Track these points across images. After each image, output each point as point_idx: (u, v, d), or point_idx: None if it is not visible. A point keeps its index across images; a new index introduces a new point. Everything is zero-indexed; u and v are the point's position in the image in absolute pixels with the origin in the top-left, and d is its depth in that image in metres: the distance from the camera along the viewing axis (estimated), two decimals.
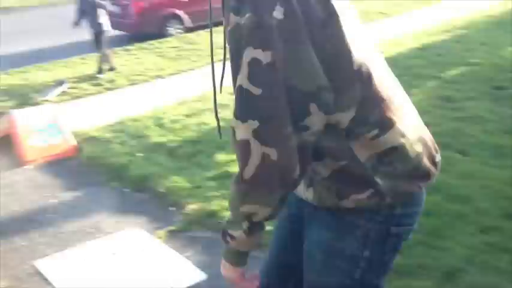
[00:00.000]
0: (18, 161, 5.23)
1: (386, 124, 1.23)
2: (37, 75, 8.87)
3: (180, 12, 12.10)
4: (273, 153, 1.12)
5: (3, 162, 5.52)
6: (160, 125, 5.78)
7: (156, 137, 5.45)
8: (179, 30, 12.09)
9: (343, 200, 1.27)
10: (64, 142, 5.47)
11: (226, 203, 3.80)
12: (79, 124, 5.92)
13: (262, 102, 1.11)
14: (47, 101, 7.25)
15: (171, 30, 11.99)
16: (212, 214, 3.83)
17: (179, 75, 8.63)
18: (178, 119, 5.95)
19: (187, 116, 6.02)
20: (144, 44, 10.79)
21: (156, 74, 8.66)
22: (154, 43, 10.89)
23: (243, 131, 1.15)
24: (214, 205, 3.92)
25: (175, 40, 11.20)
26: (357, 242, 1.30)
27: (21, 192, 4.52)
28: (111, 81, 8.38)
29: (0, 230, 3.86)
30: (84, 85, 8.19)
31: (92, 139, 5.57)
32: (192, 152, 5.01)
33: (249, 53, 1.10)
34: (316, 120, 1.14)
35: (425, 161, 1.30)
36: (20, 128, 5.45)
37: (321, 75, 1.12)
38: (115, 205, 4.19)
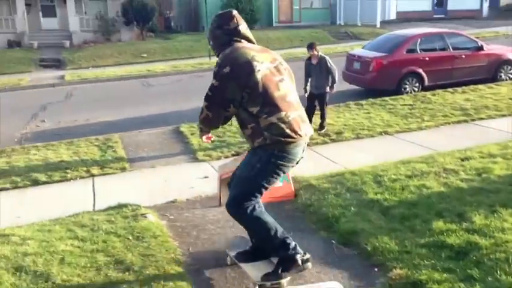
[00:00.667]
0: None
1: (271, 113, 3.34)
2: None
3: (420, 71, 11.88)
4: (210, 115, 3.50)
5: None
6: (379, 182, 5.65)
7: (372, 193, 5.34)
8: (416, 88, 11.86)
9: (254, 143, 3.45)
10: (285, 186, 5.77)
11: (436, 275, 3.51)
12: (300, 170, 6.21)
13: (211, 97, 3.44)
14: None
15: (408, 87, 11.84)
16: (418, 284, 3.53)
17: (407, 133, 8.39)
18: (398, 178, 5.73)
19: (408, 176, 5.75)
20: (377, 100, 10.86)
21: (383, 130, 8.60)
22: (388, 99, 10.88)
23: (203, 104, 3.49)
24: (423, 274, 3.61)
25: (409, 98, 10.99)
26: (256, 159, 3.46)
27: (240, 228, 4.88)
28: (339, 133, 8.63)
29: (217, 258, 4.25)
30: (313, 134, 8.61)
31: (310, 187, 5.77)
32: (407, 214, 4.75)
33: (212, 80, 3.47)
34: (232, 110, 3.47)
35: (289, 131, 3.37)
36: None
37: (236, 94, 3.39)
38: (319, 255, 4.21)
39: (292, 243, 3.62)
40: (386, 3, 29.99)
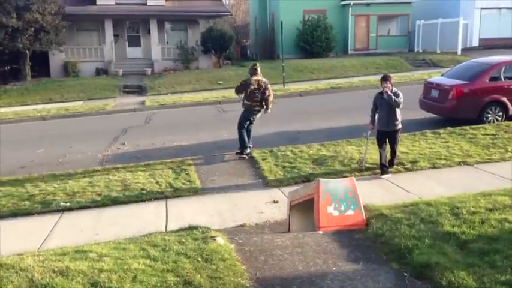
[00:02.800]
0: (313, 225, 5.65)
1: (248, 98, 10.02)
2: (346, 149, 9.56)
3: (504, 99, 11.28)
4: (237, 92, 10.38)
5: (301, 224, 6.08)
6: (456, 214, 5.36)
7: (449, 226, 5.08)
8: (499, 118, 11.25)
9: (243, 105, 10.27)
10: (356, 215, 5.64)
11: None
12: (372, 199, 6.05)
13: (238, 87, 10.26)
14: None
15: (490, 116, 11.27)
16: None
17: (489, 164, 7.96)
18: (477, 210, 5.41)
19: (489, 209, 5.42)
20: (456, 129, 10.42)
21: (461, 160, 8.22)
22: (468, 128, 10.40)
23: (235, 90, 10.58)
24: None
25: (492, 127, 10.44)
26: (243, 110, 10.25)
27: (308, 255, 4.84)
28: (413, 162, 8.34)
29: (284, 284, 4.20)
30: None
31: (381, 216, 5.59)
32: (486, 249, 4.46)
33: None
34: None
35: (249, 103, 10.08)
36: (322, 196, 5.90)
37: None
38: (390, 287, 4.04)
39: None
40: (468, 30, 28.94)
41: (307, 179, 8.00)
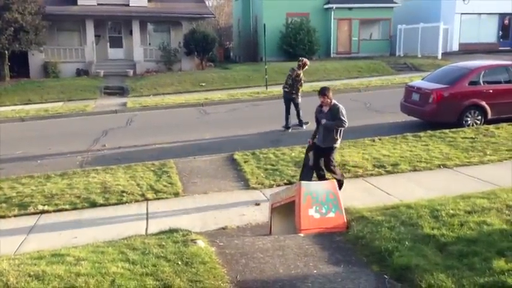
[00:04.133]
0: (294, 227, 5.64)
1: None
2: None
3: (483, 103, 11.43)
4: None
5: (282, 226, 6.06)
6: (436, 217, 5.40)
7: (428, 228, 5.11)
8: (478, 122, 11.41)
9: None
10: (337, 217, 5.65)
11: None
12: (353, 201, 6.07)
13: None
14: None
15: (469, 120, 11.41)
16: None
17: (468, 167, 8.05)
18: (456, 213, 5.47)
19: (468, 212, 5.48)
20: (436, 132, 10.53)
21: (441, 163, 8.30)
22: (448, 132, 10.52)
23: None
24: None
25: (471, 131, 10.57)
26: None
27: (289, 257, 4.83)
28: (394, 164, 8.40)
29: (265, 287, 4.18)
30: (368, 165, 8.43)
31: (362, 218, 5.61)
32: (465, 251, 4.50)
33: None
34: None
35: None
36: (304, 198, 5.89)
37: None
38: None
39: None
40: (449, 35, 29.33)
41: (289, 181, 7.99)
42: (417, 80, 14.28)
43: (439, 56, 26.30)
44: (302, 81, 12.42)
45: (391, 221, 5.40)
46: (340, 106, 7.21)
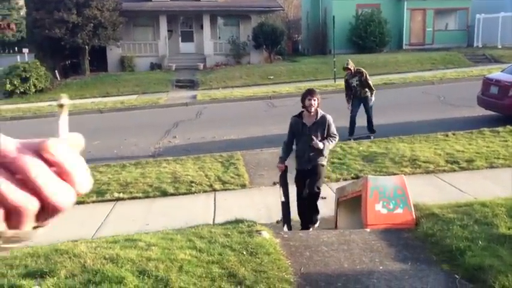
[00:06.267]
0: (360, 222, 5.55)
1: None
2: (397, 146, 9.33)
3: None
4: None
5: (348, 221, 5.99)
6: None
7: (505, 227, 4.85)
8: None
9: None
10: (405, 213, 5.49)
11: None
12: (423, 198, 5.87)
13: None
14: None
15: None
16: None
17: None
18: None
19: None
20: None
21: None
22: None
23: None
24: None
25: None
26: None
27: (354, 252, 4.76)
28: (469, 161, 8.03)
29: (328, 281, 4.16)
30: (441, 161, 8.12)
31: (432, 216, 5.42)
32: None
33: None
34: None
35: None
36: (370, 193, 5.78)
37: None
38: None
39: None
40: None
41: (356, 175, 7.87)
42: (496, 72, 13.53)
43: None
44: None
45: (463, 219, 5.18)
46: (329, 116, 5.98)
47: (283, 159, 6.24)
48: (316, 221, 6.19)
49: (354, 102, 10.56)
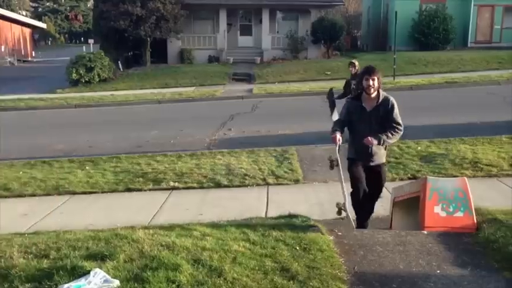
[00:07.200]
0: (417, 224, 5.41)
1: None
2: (458, 147, 8.99)
3: None
4: None
5: (404, 222, 5.85)
6: None
7: None
8: None
9: None
10: (466, 217, 5.29)
11: None
12: (485, 202, 5.64)
13: None
14: None
15: None
16: None
17: None
18: None
19: None
20: None
21: None
22: None
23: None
24: None
25: None
26: None
27: (410, 254, 4.65)
28: None
29: (383, 282, 4.09)
30: (504, 164, 7.76)
31: (495, 221, 5.19)
32: None
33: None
34: None
35: None
36: (429, 194, 5.60)
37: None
38: None
39: None
40: None
41: (413, 176, 7.67)
42: None
43: None
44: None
45: None
46: (394, 100, 5.28)
47: (337, 131, 5.38)
48: (369, 220, 6.06)
49: None
